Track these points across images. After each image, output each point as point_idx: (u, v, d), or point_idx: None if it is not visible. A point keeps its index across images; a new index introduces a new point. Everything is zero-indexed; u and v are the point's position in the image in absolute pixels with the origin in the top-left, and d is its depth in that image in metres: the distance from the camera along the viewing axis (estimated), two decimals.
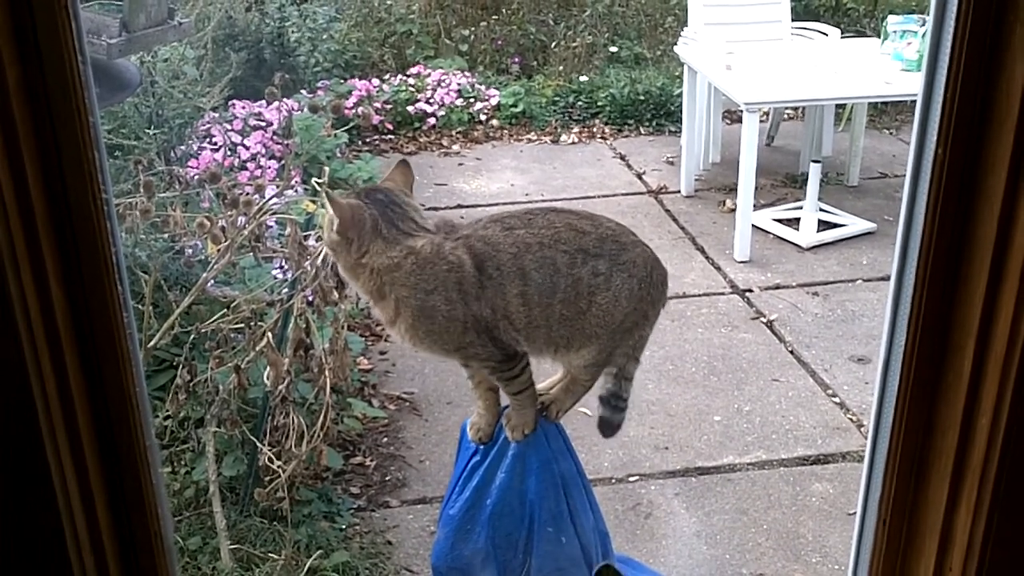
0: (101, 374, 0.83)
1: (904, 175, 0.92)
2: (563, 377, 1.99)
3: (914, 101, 0.91)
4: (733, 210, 4.76)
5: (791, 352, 3.77)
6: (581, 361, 1.88)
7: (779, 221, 4.79)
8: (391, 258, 1.73)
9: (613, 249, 1.81)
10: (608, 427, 2.03)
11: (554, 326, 1.80)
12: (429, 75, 6.41)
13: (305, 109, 4.73)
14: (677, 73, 6.23)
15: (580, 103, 6.46)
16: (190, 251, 2.88)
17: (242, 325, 2.60)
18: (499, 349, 1.80)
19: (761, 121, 5.06)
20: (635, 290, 1.83)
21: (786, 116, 6.18)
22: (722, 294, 4.22)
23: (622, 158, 5.82)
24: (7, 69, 0.70)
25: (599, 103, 6.39)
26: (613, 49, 7.01)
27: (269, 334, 2.47)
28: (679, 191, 5.23)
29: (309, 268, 2.46)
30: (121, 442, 0.85)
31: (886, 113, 6.27)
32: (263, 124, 4.82)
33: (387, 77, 6.43)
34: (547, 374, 2.02)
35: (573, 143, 6.08)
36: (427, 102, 6.19)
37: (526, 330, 1.80)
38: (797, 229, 4.70)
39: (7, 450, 0.79)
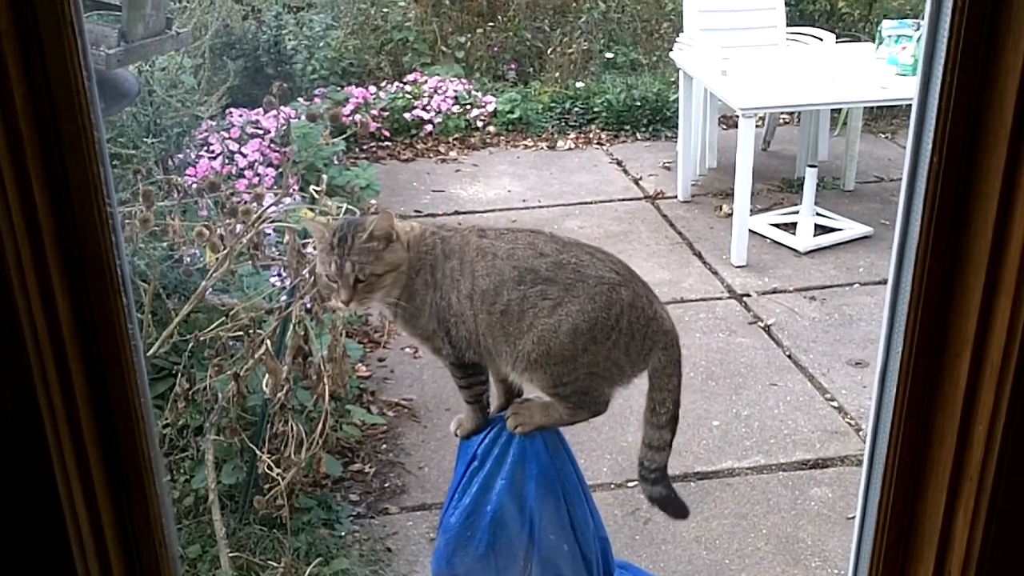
0: (106, 385, 0.84)
1: (900, 179, 0.93)
2: None
3: (909, 105, 0.92)
4: (730, 215, 4.77)
5: (789, 356, 3.78)
6: (537, 387, 1.89)
7: (776, 225, 4.81)
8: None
9: (569, 278, 1.79)
10: (659, 503, 2.03)
11: (497, 336, 1.82)
12: (426, 82, 6.42)
13: (302, 117, 4.74)
14: (673, 79, 6.25)
15: (576, 109, 6.47)
16: (188, 259, 2.89)
17: (241, 333, 2.60)
18: (453, 350, 1.88)
19: (757, 126, 5.09)
20: (582, 327, 1.78)
21: (782, 121, 6.20)
22: (719, 299, 4.22)
23: (619, 164, 5.83)
24: (14, 87, 0.70)
25: (595, 109, 6.41)
26: (609, 55, 7.03)
27: (268, 342, 2.48)
28: (676, 196, 5.24)
29: (307, 276, 2.47)
30: (126, 452, 0.86)
31: (881, 117, 6.28)
32: (260, 132, 4.82)
33: (384, 84, 6.45)
34: None
35: (570, 149, 6.10)
36: (424, 109, 6.21)
37: (474, 336, 1.85)
38: (794, 233, 4.72)
39: (13, 459, 0.80)
